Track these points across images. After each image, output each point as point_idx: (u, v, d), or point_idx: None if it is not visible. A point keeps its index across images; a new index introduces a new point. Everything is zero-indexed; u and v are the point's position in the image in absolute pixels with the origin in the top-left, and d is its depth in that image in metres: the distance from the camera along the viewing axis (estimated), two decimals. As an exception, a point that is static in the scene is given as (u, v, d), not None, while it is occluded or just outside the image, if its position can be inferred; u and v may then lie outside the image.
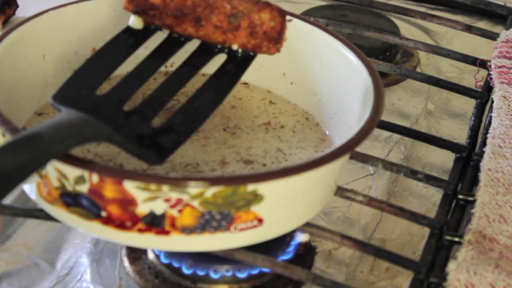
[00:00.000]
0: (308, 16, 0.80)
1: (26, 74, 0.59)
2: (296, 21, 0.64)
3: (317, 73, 0.63)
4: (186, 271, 0.58)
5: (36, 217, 0.54)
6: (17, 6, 0.86)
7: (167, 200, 0.49)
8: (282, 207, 0.52)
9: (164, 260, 0.59)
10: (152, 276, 0.59)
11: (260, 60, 0.65)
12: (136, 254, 0.60)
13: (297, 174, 0.50)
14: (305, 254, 0.61)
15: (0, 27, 0.83)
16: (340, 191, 0.57)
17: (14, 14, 0.86)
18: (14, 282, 0.59)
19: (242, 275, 0.58)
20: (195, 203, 0.49)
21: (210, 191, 0.48)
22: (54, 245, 0.62)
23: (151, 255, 0.60)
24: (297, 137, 0.60)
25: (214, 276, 0.57)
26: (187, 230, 0.50)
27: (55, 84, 0.62)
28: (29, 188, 0.53)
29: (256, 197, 0.50)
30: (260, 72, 0.65)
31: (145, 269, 0.59)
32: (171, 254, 0.58)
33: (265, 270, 0.58)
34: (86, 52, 0.63)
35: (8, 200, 0.64)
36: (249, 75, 0.65)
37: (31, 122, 0.59)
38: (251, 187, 0.49)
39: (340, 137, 0.58)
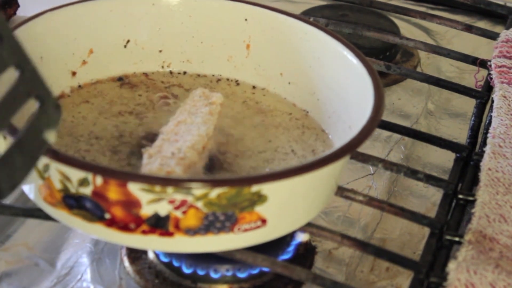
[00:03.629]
0: (308, 16, 0.80)
1: None
2: (292, 20, 0.64)
3: (315, 73, 0.63)
4: (186, 270, 0.58)
5: (36, 217, 0.54)
6: (18, 6, 0.86)
7: (172, 202, 0.49)
8: (286, 207, 0.52)
9: (164, 259, 0.59)
10: (152, 276, 0.59)
11: (257, 60, 0.65)
12: (136, 254, 0.60)
13: (301, 174, 0.50)
14: (305, 254, 0.61)
15: (0, 27, 0.83)
16: (340, 191, 0.57)
17: (15, 13, 0.85)
18: (14, 282, 0.59)
19: (242, 274, 0.58)
20: (200, 204, 0.49)
21: (215, 192, 0.48)
22: (54, 245, 0.62)
23: (151, 255, 0.60)
24: (295, 136, 0.60)
25: (214, 275, 0.57)
26: (191, 232, 0.50)
27: (52, 86, 0.62)
28: (28, 189, 0.53)
29: (260, 198, 0.50)
30: (257, 71, 0.65)
31: (145, 269, 0.59)
32: (171, 254, 0.58)
33: (265, 269, 0.58)
34: (83, 53, 0.63)
35: (8, 200, 0.64)
36: (246, 75, 0.66)
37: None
38: (255, 188, 0.49)
39: (339, 137, 0.58)
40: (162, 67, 0.66)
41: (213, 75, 0.66)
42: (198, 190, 0.48)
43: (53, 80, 0.61)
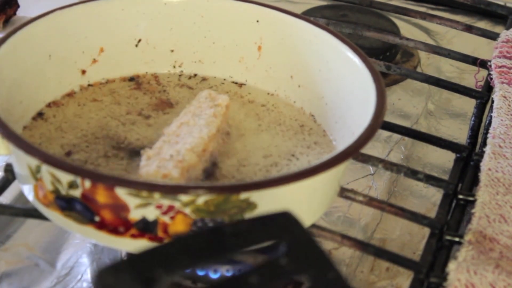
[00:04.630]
0: (308, 16, 0.80)
1: (31, 73, 0.59)
2: (303, 23, 0.63)
3: (323, 77, 0.62)
4: (186, 270, 0.58)
5: (36, 217, 0.54)
6: (18, 6, 0.86)
7: (159, 207, 0.48)
8: None
9: (164, 260, 0.58)
10: (152, 276, 0.59)
11: (269, 62, 0.65)
12: (136, 254, 0.60)
13: (288, 184, 0.49)
14: (305, 254, 0.61)
15: (1, 26, 0.83)
16: (341, 191, 0.57)
17: (15, 14, 0.86)
18: (14, 282, 0.59)
19: (242, 275, 0.58)
20: (187, 210, 0.48)
21: (202, 199, 0.48)
22: (54, 245, 0.62)
23: (151, 255, 0.60)
24: (300, 141, 0.60)
25: (214, 276, 0.57)
26: (180, 237, 0.50)
27: (60, 84, 0.62)
28: (27, 190, 0.53)
29: (249, 205, 0.49)
30: (268, 74, 0.65)
31: (145, 269, 0.59)
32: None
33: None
34: (93, 52, 0.63)
35: (8, 200, 0.64)
36: (257, 77, 0.65)
37: (33, 123, 0.59)
38: (243, 195, 0.49)
39: (344, 143, 0.58)
40: (174, 66, 0.66)
41: (224, 79, 0.66)
42: (185, 196, 0.48)
43: (61, 78, 0.62)
